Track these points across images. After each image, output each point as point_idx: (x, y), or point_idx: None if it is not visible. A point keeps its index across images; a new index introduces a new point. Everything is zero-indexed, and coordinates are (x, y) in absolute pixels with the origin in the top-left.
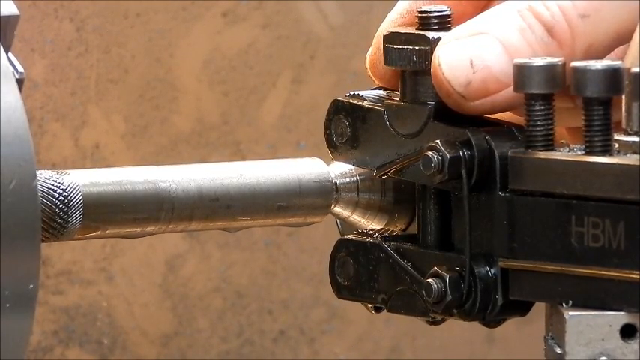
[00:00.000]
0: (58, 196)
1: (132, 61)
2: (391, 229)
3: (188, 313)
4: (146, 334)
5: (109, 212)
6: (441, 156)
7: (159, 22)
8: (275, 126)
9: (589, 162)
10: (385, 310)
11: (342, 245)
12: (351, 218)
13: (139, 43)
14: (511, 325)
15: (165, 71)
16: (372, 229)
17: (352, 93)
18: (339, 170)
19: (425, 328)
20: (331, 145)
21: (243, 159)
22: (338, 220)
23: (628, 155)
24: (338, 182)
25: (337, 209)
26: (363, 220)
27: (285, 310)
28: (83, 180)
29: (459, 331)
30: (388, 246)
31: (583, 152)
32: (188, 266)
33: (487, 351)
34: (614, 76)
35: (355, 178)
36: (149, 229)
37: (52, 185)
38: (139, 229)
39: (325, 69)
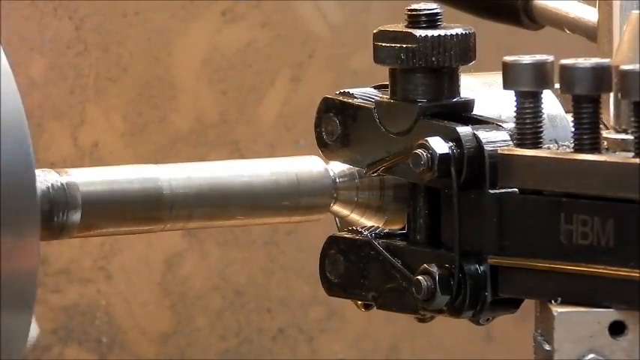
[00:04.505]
0: (56, 194)
1: (131, 60)
2: (390, 227)
3: (187, 311)
4: (145, 333)
5: (108, 211)
6: (430, 154)
7: (158, 20)
8: (274, 125)
9: (578, 160)
10: (375, 308)
11: (332, 243)
12: (349, 217)
13: (138, 42)
14: (509, 323)
15: (164, 70)
16: (363, 227)
17: (342, 91)
18: (338, 169)
19: (424, 327)
20: (322, 144)
21: (242, 158)
22: (337, 218)
23: (617, 153)
24: (337, 181)
25: (336, 207)
26: (361, 219)
27: (283, 308)
28: (82, 179)
29: (458, 329)
30: (378, 243)
31: (572, 150)
32: (187, 265)
33: (485, 350)
34: (602, 73)
35: (354, 177)
36: (148, 227)
37: (51, 184)
38: (137, 228)
39: (324, 68)
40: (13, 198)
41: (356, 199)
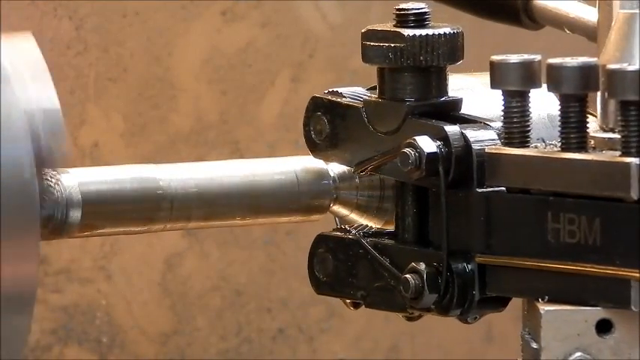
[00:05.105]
0: (56, 194)
1: (131, 60)
2: (387, 227)
3: (187, 311)
4: (145, 333)
5: (108, 210)
6: (418, 152)
7: (158, 20)
8: (274, 125)
9: (565, 158)
10: (363, 306)
11: (321, 241)
12: (349, 217)
13: (138, 42)
14: (509, 323)
15: (164, 70)
16: (351, 225)
17: (331, 90)
18: (338, 169)
19: (424, 327)
20: (310, 143)
21: (242, 157)
22: (337, 218)
23: (604, 152)
24: (337, 181)
25: (336, 208)
26: (361, 219)
27: (283, 308)
28: (82, 178)
29: (458, 329)
30: (366, 242)
31: (559, 149)
32: (187, 265)
33: (485, 350)
34: (590, 73)
35: (354, 177)
36: (148, 227)
37: (51, 184)
38: (137, 228)
39: (324, 68)
40: (13, 198)
41: (356, 199)
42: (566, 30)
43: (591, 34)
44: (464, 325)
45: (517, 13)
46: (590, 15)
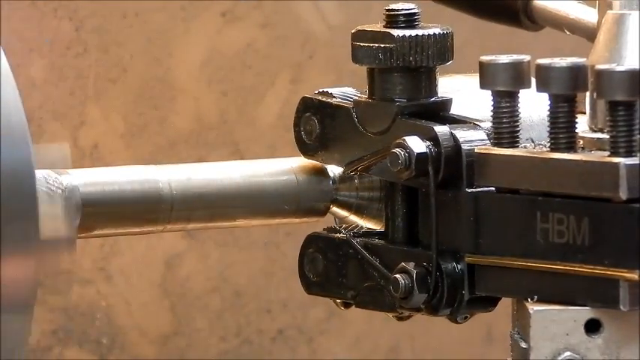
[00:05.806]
0: (56, 195)
1: (130, 61)
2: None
3: (187, 312)
4: (145, 334)
5: (108, 212)
6: (408, 153)
7: (157, 21)
8: (274, 125)
9: (554, 159)
10: (354, 306)
11: (311, 241)
12: (349, 218)
13: (138, 43)
14: (509, 324)
15: (164, 71)
16: (341, 225)
17: (321, 90)
18: (338, 170)
19: (424, 328)
20: (300, 143)
21: (242, 158)
22: (337, 219)
23: (592, 152)
24: (337, 182)
25: (335, 209)
26: (361, 221)
27: (283, 309)
28: (82, 179)
29: (458, 331)
30: (356, 242)
31: (548, 149)
32: (187, 266)
33: (486, 351)
34: (578, 73)
35: (354, 178)
36: (147, 228)
37: (51, 185)
38: (137, 229)
39: (324, 68)
40: (13, 199)
41: (355, 200)
42: (566, 31)
43: (591, 35)
44: (464, 326)
45: (517, 13)
46: (590, 16)
